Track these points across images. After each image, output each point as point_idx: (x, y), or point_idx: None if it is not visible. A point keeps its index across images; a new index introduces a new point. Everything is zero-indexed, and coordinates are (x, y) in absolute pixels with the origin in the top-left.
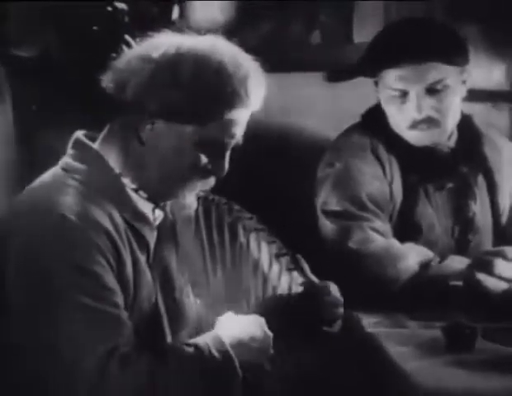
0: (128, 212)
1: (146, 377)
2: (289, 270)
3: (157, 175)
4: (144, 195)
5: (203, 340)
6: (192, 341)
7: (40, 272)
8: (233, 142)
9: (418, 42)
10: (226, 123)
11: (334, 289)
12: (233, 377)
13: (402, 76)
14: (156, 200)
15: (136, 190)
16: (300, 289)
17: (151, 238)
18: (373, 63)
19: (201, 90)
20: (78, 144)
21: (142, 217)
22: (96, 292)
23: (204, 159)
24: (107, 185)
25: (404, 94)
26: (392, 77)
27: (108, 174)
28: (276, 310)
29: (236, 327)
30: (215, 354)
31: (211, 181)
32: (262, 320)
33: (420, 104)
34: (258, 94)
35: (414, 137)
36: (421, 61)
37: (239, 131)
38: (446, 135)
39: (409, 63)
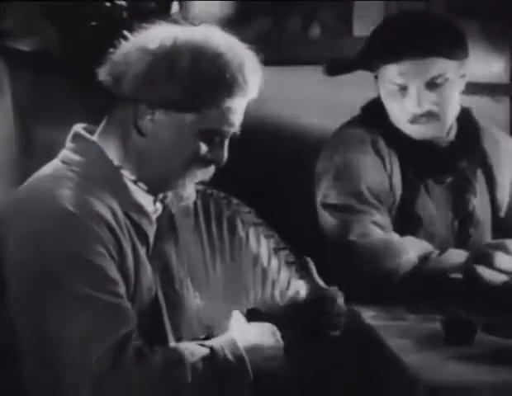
0: (127, 204)
1: (161, 374)
2: (288, 263)
3: (157, 165)
4: (144, 187)
5: (218, 343)
6: (206, 342)
7: (42, 265)
8: (232, 130)
9: (418, 37)
10: (225, 111)
11: (339, 296)
12: (244, 381)
13: (402, 71)
14: (156, 191)
15: (136, 182)
16: (305, 293)
17: (150, 230)
18: (373, 58)
19: (199, 79)
20: (76, 137)
21: (141, 209)
22: (99, 283)
23: (204, 148)
24: (106, 177)
25: (404, 88)
26: (392, 72)
27: (107, 166)
28: (281, 316)
29: (251, 333)
30: (230, 358)
31: (211, 170)
32: (275, 329)
33: (420, 99)
34: (255, 81)
35: (414, 131)
36: (422, 56)
37: (237, 119)
38: (445, 129)
39: (409, 58)
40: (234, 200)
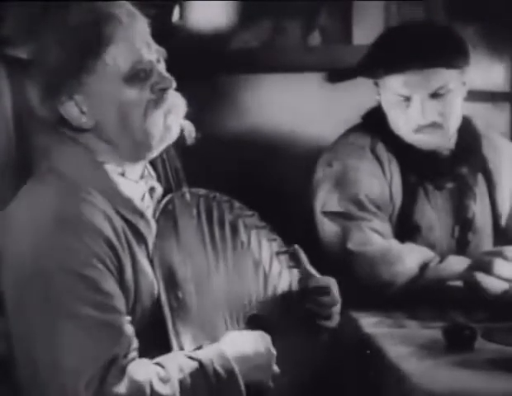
0: (119, 203)
1: (147, 392)
2: (289, 267)
3: (122, 137)
4: (133, 177)
5: (207, 355)
6: (195, 355)
7: (36, 281)
8: (148, 54)
9: (423, 48)
10: (121, 48)
11: (332, 285)
12: (236, 394)
13: (406, 82)
14: (144, 155)
15: (123, 175)
16: (296, 282)
17: (148, 232)
18: (377, 67)
19: (70, 47)
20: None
21: (131, 205)
22: (94, 299)
23: (142, 87)
24: (94, 177)
25: (407, 99)
26: (396, 83)
27: (93, 166)
28: (275, 307)
29: (241, 343)
30: (220, 370)
31: (175, 98)
32: (267, 337)
33: (425, 109)
34: (124, 10)
35: (418, 141)
36: (427, 67)
37: (143, 45)
38: (449, 138)
39: (414, 69)
40: (237, 204)
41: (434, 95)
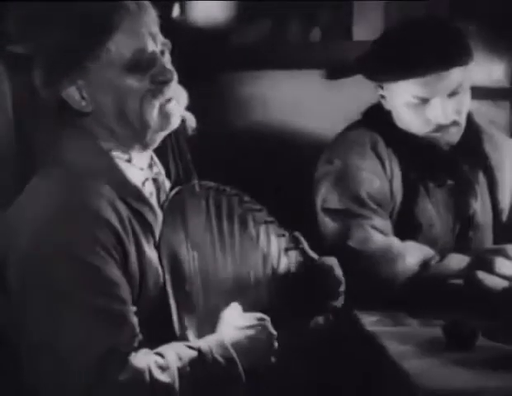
0: (125, 191)
1: (146, 380)
2: (297, 263)
3: (121, 124)
4: (139, 164)
5: (206, 344)
6: (194, 344)
7: (40, 268)
8: (156, 47)
9: (440, 49)
10: (126, 36)
11: (334, 264)
12: (236, 381)
13: (425, 84)
14: (143, 144)
15: (130, 161)
16: (296, 266)
17: (153, 220)
18: (390, 73)
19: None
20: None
21: (138, 193)
22: (97, 287)
23: (142, 77)
24: (101, 165)
25: (424, 100)
26: (412, 86)
27: (100, 153)
28: (278, 289)
29: (239, 328)
30: (219, 358)
31: (174, 88)
32: (267, 319)
33: (445, 110)
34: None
35: (435, 139)
36: (447, 68)
37: (146, 33)
38: (461, 133)
39: (435, 71)
40: (246, 198)
41: (452, 94)
